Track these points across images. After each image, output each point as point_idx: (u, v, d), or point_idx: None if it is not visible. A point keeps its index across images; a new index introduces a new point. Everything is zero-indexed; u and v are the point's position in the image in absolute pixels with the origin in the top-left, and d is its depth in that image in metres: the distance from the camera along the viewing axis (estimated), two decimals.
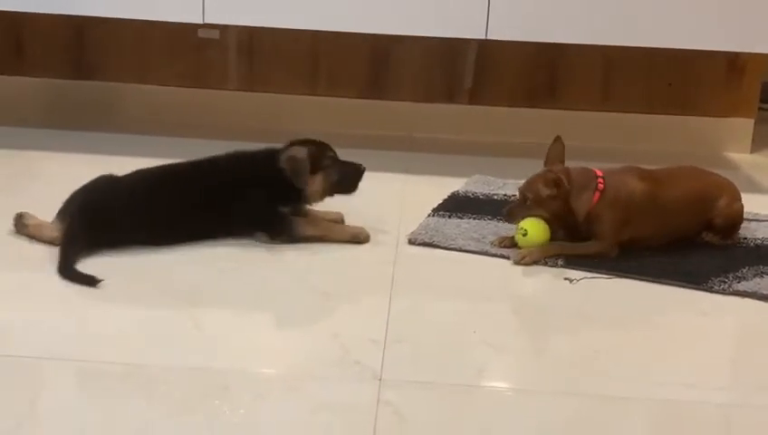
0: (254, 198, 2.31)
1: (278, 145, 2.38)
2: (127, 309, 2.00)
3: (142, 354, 1.80)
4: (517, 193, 2.36)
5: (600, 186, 2.29)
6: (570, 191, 2.27)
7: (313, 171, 2.33)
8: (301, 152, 2.32)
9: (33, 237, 2.25)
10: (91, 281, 2.05)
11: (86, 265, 2.15)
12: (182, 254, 2.25)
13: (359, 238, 2.37)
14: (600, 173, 2.32)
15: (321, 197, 2.39)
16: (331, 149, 2.39)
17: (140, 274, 2.15)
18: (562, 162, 2.34)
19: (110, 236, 2.22)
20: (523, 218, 2.32)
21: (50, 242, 2.21)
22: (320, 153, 2.36)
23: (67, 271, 2.09)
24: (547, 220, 2.31)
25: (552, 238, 2.33)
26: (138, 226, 2.25)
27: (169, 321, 1.95)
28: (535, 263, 2.28)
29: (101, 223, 2.22)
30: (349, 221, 2.45)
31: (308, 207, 2.41)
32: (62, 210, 2.26)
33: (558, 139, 2.35)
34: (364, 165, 2.38)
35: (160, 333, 1.89)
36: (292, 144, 2.38)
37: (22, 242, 2.26)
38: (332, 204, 2.42)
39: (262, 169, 2.34)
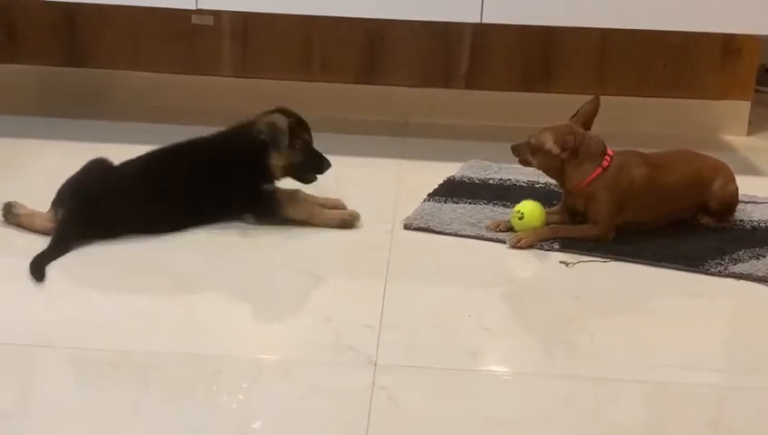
0: (236, 179, 2.30)
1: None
2: (118, 296, 1.99)
3: (134, 341, 1.79)
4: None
5: (605, 163, 2.28)
6: (570, 160, 2.26)
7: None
8: (282, 121, 2.30)
9: (24, 227, 2.23)
10: (39, 276, 2.01)
11: (76, 254, 2.14)
12: (174, 240, 2.24)
13: (346, 224, 2.34)
14: (610, 152, 2.31)
15: (281, 175, 2.36)
16: (308, 131, 2.36)
17: (132, 261, 2.14)
18: (589, 124, 2.32)
19: (104, 226, 2.20)
20: (521, 158, 2.33)
21: (41, 232, 2.19)
22: (297, 129, 2.33)
23: (36, 265, 2.03)
24: (540, 168, 2.33)
25: (549, 222, 2.34)
26: (129, 214, 2.22)
27: (161, 307, 1.94)
28: (531, 246, 2.27)
29: (95, 216, 2.19)
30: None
31: (302, 188, 2.38)
32: (56, 200, 2.23)
33: (596, 98, 2.32)
34: (331, 163, 2.35)
35: (152, 320, 1.88)
36: (276, 111, 2.34)
37: (10, 229, 2.25)
38: (330, 190, 2.41)
39: (238, 146, 2.32)
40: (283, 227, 2.33)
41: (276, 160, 2.32)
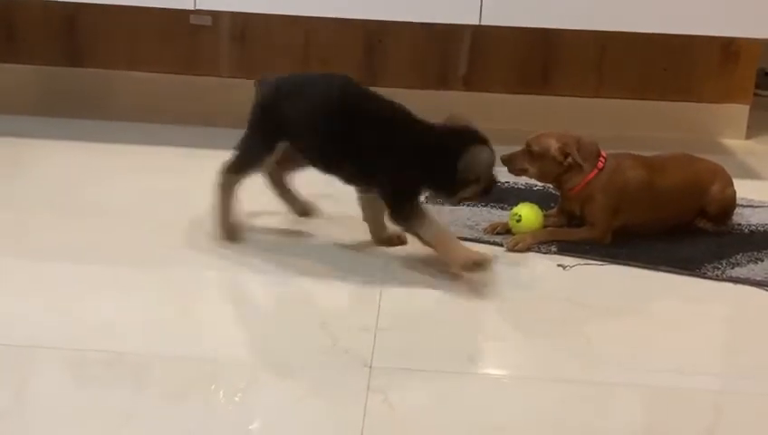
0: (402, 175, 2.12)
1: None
2: (114, 297, 1.98)
3: (129, 343, 1.79)
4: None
5: (600, 165, 2.29)
6: (571, 165, 2.27)
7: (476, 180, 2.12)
8: (490, 166, 2.11)
9: None
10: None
11: (73, 254, 2.14)
12: (170, 243, 2.24)
13: (470, 267, 2.08)
14: (604, 154, 2.31)
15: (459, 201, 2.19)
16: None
17: (127, 262, 2.14)
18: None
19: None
20: (518, 167, 2.32)
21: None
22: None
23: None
24: (536, 176, 2.33)
25: (546, 225, 2.34)
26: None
27: (157, 309, 1.94)
28: (528, 249, 2.27)
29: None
30: (340, 209, 2.43)
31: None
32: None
33: None
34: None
35: (148, 322, 1.88)
36: (478, 140, 2.14)
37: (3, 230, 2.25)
38: (326, 192, 2.41)
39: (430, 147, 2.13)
40: (279, 230, 2.33)
41: (466, 194, 2.13)
